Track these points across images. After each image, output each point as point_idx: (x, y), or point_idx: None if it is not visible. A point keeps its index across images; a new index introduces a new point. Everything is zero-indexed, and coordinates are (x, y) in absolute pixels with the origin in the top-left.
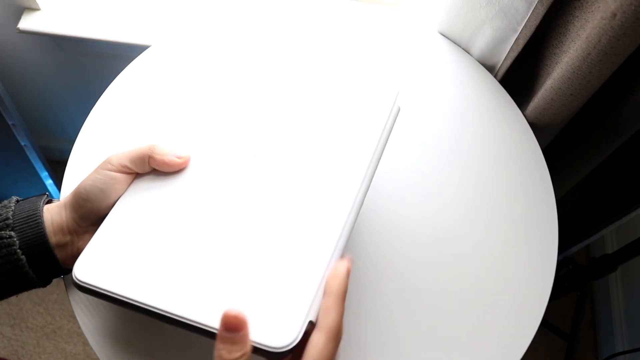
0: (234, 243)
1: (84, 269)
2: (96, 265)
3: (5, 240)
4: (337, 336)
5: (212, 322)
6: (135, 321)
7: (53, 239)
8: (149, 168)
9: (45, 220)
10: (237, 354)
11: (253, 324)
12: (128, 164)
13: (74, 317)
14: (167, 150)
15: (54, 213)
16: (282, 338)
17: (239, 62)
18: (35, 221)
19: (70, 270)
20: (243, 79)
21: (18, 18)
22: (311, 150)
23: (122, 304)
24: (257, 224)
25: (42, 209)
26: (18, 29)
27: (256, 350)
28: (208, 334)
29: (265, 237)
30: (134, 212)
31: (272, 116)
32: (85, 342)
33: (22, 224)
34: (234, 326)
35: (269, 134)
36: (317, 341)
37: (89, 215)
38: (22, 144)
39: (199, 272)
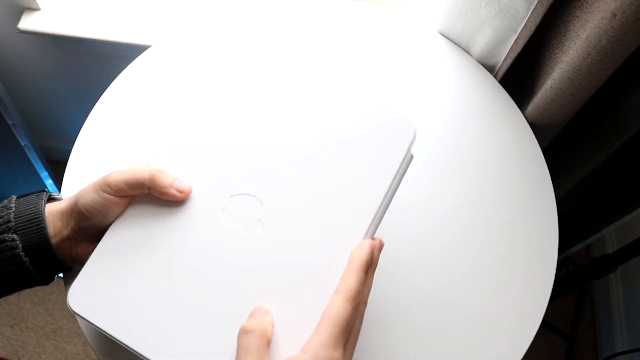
0: (227, 294)
1: (78, 299)
2: (89, 296)
3: (8, 243)
4: (355, 299)
5: None
6: None
7: (53, 240)
8: (147, 192)
9: (47, 225)
10: (260, 320)
11: None
12: (126, 188)
13: (74, 317)
14: (168, 182)
15: (55, 218)
16: None
17: (241, 71)
18: (38, 226)
19: (70, 268)
20: (249, 97)
21: (18, 18)
22: (317, 196)
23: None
24: (255, 274)
25: (44, 212)
26: (18, 29)
27: None
28: None
29: (264, 289)
30: (128, 241)
31: (276, 149)
32: (85, 342)
33: (25, 228)
34: (259, 310)
35: (272, 172)
36: (334, 301)
37: (89, 229)
38: (22, 144)
39: (187, 322)
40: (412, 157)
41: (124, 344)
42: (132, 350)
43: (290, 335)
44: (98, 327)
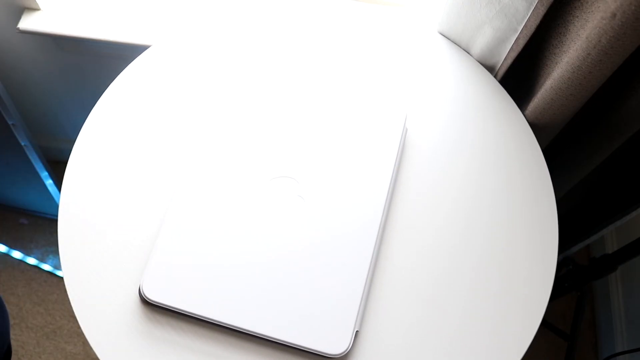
0: (283, 262)
1: (152, 287)
2: (162, 282)
3: None
4: None
5: (279, 334)
6: (135, 321)
7: None
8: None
9: None
10: None
11: (313, 335)
12: None
13: (74, 317)
14: None
15: None
16: (337, 346)
17: (245, 71)
18: None
19: None
20: (258, 97)
21: (18, 18)
22: (337, 171)
23: (189, 318)
24: (301, 244)
25: None
26: (18, 29)
27: (316, 356)
28: (272, 343)
29: (310, 255)
30: (185, 229)
31: (298, 141)
32: (85, 342)
33: None
34: None
35: (299, 158)
36: None
37: None
38: (22, 144)
39: (255, 288)
40: (407, 130)
41: (208, 318)
42: (216, 322)
43: (334, 289)
44: (178, 309)
